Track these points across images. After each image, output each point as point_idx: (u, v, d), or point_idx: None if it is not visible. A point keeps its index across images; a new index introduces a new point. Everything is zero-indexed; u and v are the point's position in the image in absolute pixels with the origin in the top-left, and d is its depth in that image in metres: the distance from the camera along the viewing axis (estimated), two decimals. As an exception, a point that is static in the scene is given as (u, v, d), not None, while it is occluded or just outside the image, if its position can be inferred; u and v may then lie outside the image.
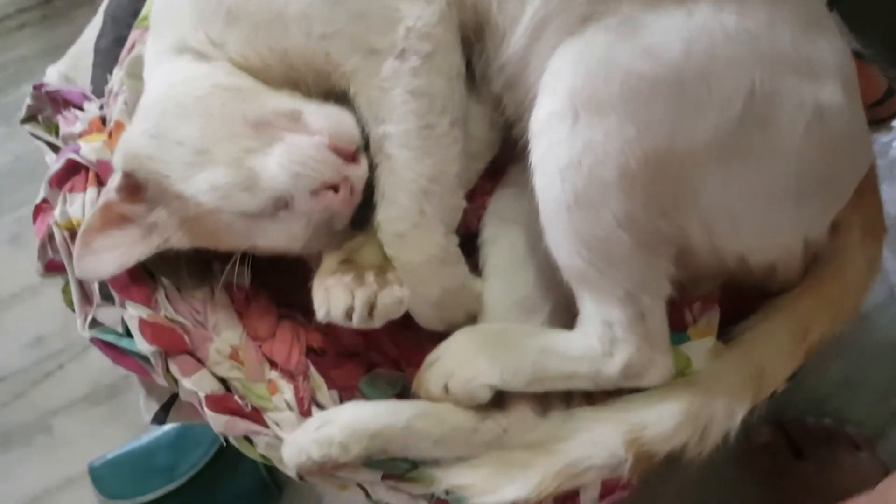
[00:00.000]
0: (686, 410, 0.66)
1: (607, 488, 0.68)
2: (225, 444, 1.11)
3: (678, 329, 0.71)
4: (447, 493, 0.68)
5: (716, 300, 0.74)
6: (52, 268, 0.78)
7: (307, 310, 0.74)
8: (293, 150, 0.63)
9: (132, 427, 1.21)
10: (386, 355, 0.75)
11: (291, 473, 0.67)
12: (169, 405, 0.76)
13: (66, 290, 0.78)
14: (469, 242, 0.74)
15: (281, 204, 0.65)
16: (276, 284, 0.76)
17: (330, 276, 0.65)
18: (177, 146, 0.64)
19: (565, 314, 0.71)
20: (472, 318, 0.72)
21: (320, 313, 0.64)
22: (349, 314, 0.63)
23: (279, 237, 0.66)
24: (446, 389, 0.68)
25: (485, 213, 0.76)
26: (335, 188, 0.63)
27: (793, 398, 1.25)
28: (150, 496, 1.08)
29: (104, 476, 1.11)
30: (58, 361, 1.28)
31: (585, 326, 0.67)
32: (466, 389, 0.67)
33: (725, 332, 0.73)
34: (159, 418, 0.76)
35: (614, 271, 0.64)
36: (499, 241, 0.74)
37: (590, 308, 0.66)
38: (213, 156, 0.63)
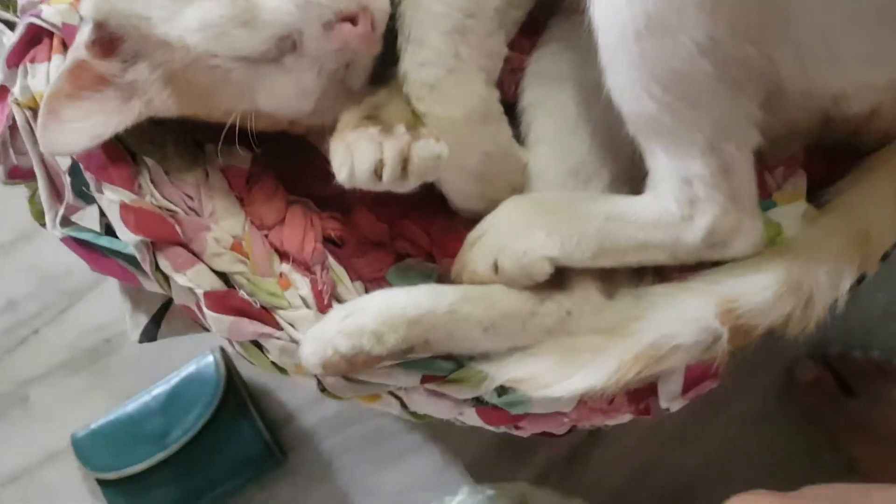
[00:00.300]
0: (785, 279, 0.55)
1: (693, 378, 0.56)
2: (223, 400, 1.02)
3: (761, 196, 0.60)
4: (500, 392, 0.57)
5: (800, 164, 0.63)
6: (16, 175, 0.66)
7: (320, 200, 0.63)
8: None
9: (117, 394, 1.10)
10: (416, 245, 0.63)
11: (314, 372, 0.55)
12: (160, 316, 0.64)
13: (32, 201, 0.66)
14: (506, 113, 0.63)
15: (287, 45, 0.53)
16: (280, 172, 0.64)
17: (351, 131, 0.54)
18: None
19: (629, 184, 0.60)
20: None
21: (342, 173, 0.52)
22: (377, 171, 0.51)
23: (286, 91, 0.55)
24: (496, 268, 0.57)
25: (523, 75, 0.64)
26: (352, 20, 0.52)
27: (837, 332, 1.17)
28: (141, 466, 0.99)
29: (89, 447, 1.01)
30: (32, 326, 1.16)
31: (659, 187, 0.56)
32: (521, 264, 0.55)
33: (815, 199, 0.62)
34: (150, 333, 0.64)
35: (693, 113, 0.53)
36: (544, 104, 0.62)
37: (663, 164, 0.55)
38: None
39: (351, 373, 0.56)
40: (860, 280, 0.58)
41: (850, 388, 1.13)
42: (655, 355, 0.53)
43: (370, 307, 0.55)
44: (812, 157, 0.64)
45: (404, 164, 0.52)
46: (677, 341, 0.53)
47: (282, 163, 0.65)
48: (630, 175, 0.61)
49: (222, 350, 1.08)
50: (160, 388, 1.02)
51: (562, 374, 0.54)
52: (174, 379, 1.02)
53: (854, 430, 1.07)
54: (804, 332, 0.56)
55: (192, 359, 1.05)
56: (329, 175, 0.64)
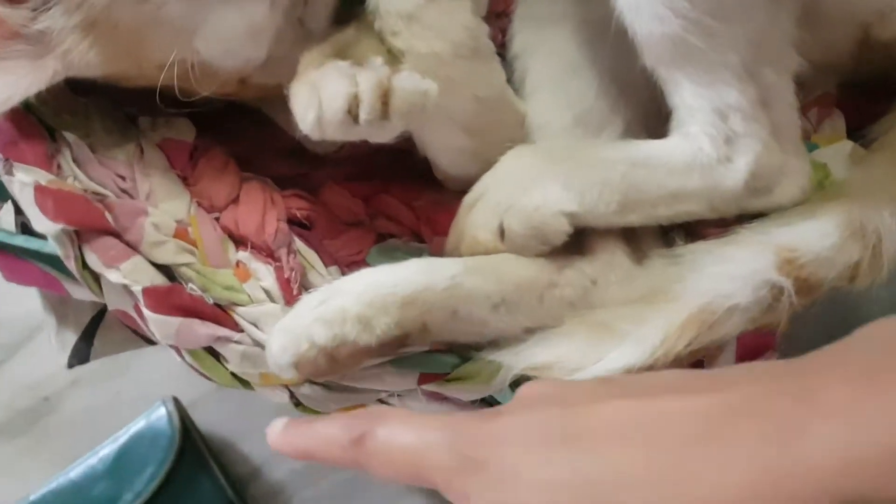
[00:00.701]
0: (847, 223, 0.46)
1: (747, 349, 0.47)
2: (178, 457, 0.91)
3: (800, 138, 0.51)
4: (515, 388, 0.46)
5: (834, 103, 0.54)
6: None
7: (281, 181, 0.53)
8: None
9: (59, 459, 0.97)
10: (399, 223, 0.53)
11: (285, 373, 0.44)
12: (92, 330, 0.53)
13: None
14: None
15: (232, -31, 0.43)
16: (231, 150, 0.54)
17: (315, 70, 0.43)
18: None
19: (648, 132, 0.51)
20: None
21: (308, 118, 0.42)
22: (352, 109, 0.41)
23: (232, 29, 0.45)
24: (501, 233, 0.46)
25: (510, 20, 0.55)
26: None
27: None
28: (89, 539, 0.84)
29: (28, 522, 0.86)
30: (-43, 389, 1.03)
31: (688, 126, 0.47)
32: (533, 223, 0.45)
33: (856, 139, 0.54)
34: (80, 352, 0.53)
35: (727, 29, 0.44)
36: (539, 48, 0.53)
37: (692, 97, 0.46)
38: None
39: (332, 373, 0.45)
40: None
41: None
42: (708, 320, 0.43)
43: (352, 287, 0.44)
44: (845, 97, 0.56)
45: (385, 99, 0.41)
46: (733, 301, 0.43)
47: (232, 140, 0.55)
48: (647, 122, 0.51)
49: (175, 400, 0.96)
50: (107, 449, 0.90)
51: (595, 352, 0.44)
52: (122, 437, 0.89)
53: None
54: (874, 283, 0.47)
55: (142, 412, 0.93)
56: (290, 150, 0.54)
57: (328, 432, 0.38)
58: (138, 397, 0.99)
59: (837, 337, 0.36)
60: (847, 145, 0.52)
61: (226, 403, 1.02)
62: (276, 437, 0.41)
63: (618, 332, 0.44)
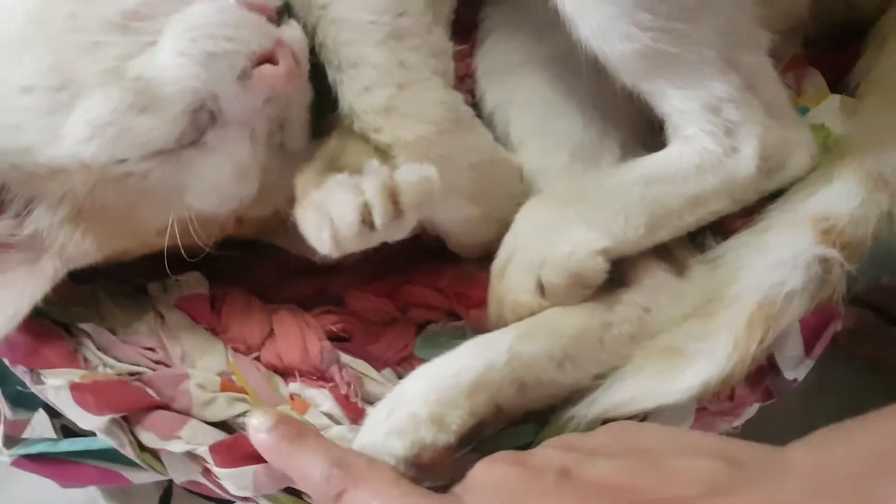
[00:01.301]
0: (866, 176, 0.46)
1: (812, 330, 0.46)
2: None
3: (788, 106, 0.51)
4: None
5: (806, 63, 0.55)
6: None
7: (302, 303, 0.52)
8: (192, 24, 0.42)
9: None
10: (432, 308, 0.52)
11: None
12: (164, 508, 0.51)
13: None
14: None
15: (204, 119, 0.43)
16: (245, 289, 0.53)
17: (315, 189, 0.43)
18: (24, 95, 0.42)
19: (643, 146, 0.50)
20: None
21: (324, 239, 0.42)
22: (366, 218, 0.40)
23: (219, 176, 0.44)
24: (541, 289, 0.46)
25: (475, 80, 0.55)
26: (270, 59, 0.42)
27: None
28: None
29: None
30: None
31: (685, 130, 0.47)
32: (570, 271, 0.45)
33: (839, 91, 0.54)
34: (158, 535, 0.51)
35: (696, 28, 0.45)
36: (513, 99, 0.53)
37: (680, 101, 0.46)
38: (79, 84, 0.41)
39: (421, 480, 0.43)
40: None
41: (893, 318, 1.05)
42: (771, 313, 0.43)
43: (415, 390, 0.43)
44: (816, 54, 0.56)
45: (394, 198, 0.41)
46: (789, 287, 0.43)
47: (244, 278, 0.54)
48: (640, 137, 0.51)
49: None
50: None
51: (670, 378, 0.43)
52: None
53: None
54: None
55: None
56: (302, 271, 0.53)
57: (310, 472, 0.39)
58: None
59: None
60: (835, 99, 0.52)
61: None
62: (260, 439, 0.41)
63: (687, 352, 0.43)
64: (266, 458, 0.42)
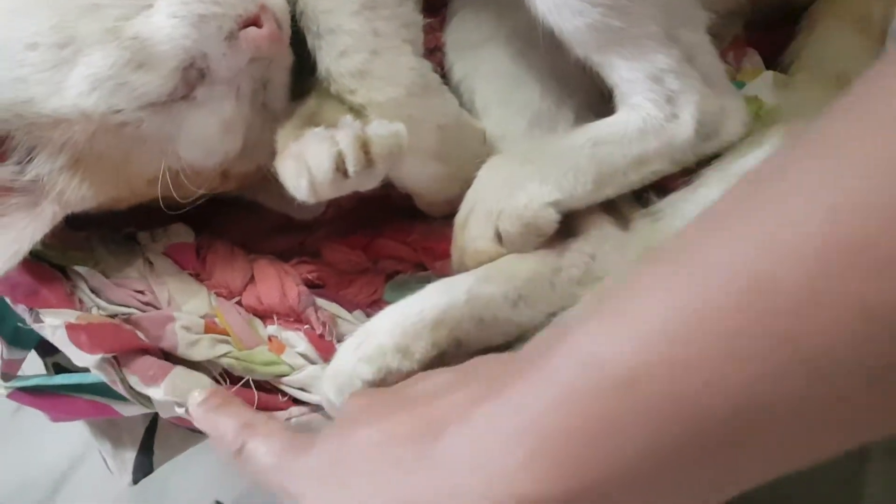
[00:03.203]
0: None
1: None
2: None
3: (726, 81, 0.56)
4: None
5: (745, 44, 0.60)
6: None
7: (282, 256, 0.56)
8: None
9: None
10: (401, 260, 0.57)
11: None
12: (149, 441, 0.55)
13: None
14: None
15: (194, 76, 0.47)
16: (229, 240, 0.57)
17: (294, 142, 0.47)
18: (29, 52, 0.46)
19: (595, 113, 0.55)
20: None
21: (301, 185, 0.46)
22: (340, 166, 0.45)
23: (207, 129, 0.49)
24: (499, 238, 0.50)
25: (444, 53, 0.59)
26: (255, 23, 0.46)
27: None
28: None
29: None
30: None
31: (631, 98, 0.51)
32: (525, 221, 0.49)
33: (774, 68, 0.59)
34: (143, 466, 0.55)
35: (640, 6, 0.49)
36: (478, 70, 0.58)
37: (627, 72, 0.51)
38: (81, 41, 0.46)
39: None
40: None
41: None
42: None
43: (383, 325, 0.48)
44: (755, 36, 0.61)
45: (366, 149, 0.45)
46: None
47: (227, 232, 0.58)
48: (593, 106, 0.56)
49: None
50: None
51: None
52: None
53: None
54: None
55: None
56: (281, 226, 0.58)
57: (223, 432, 0.46)
58: (187, 510, 1.01)
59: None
60: (769, 75, 0.57)
61: (267, 495, 1.04)
62: (193, 412, 0.48)
63: None
64: (197, 425, 0.48)
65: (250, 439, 0.44)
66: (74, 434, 0.57)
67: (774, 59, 0.60)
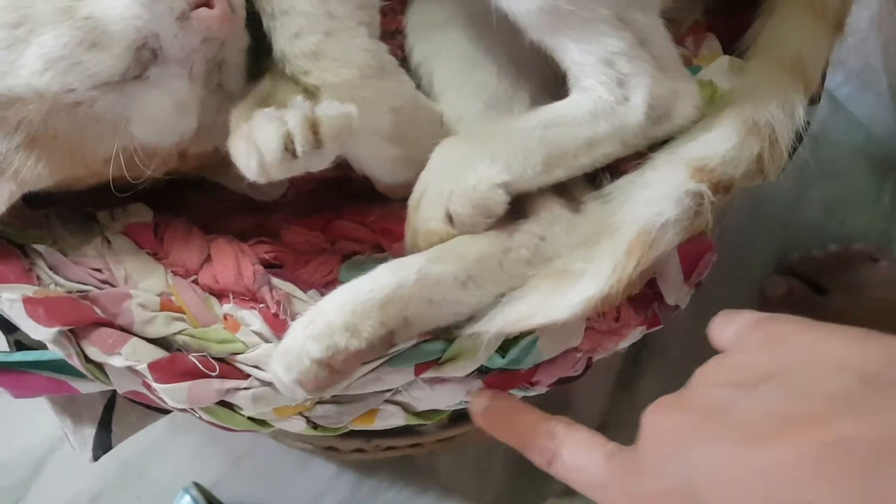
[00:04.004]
0: (742, 123, 0.52)
1: (689, 259, 0.52)
2: None
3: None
4: (502, 354, 0.51)
5: (705, 28, 0.61)
6: None
7: (241, 236, 0.57)
8: None
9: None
10: (359, 241, 0.58)
11: (295, 394, 0.48)
12: (108, 419, 0.56)
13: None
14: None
15: (146, 56, 0.48)
16: (188, 220, 0.58)
17: (245, 123, 0.48)
18: None
19: (551, 96, 0.56)
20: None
21: (251, 165, 0.47)
22: (288, 146, 0.46)
23: (161, 109, 0.49)
24: (450, 219, 0.51)
25: (404, 36, 0.60)
26: (207, 4, 0.47)
27: (789, 241, 1.17)
28: None
29: None
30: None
31: (583, 81, 0.52)
32: (474, 201, 0.50)
33: (732, 53, 0.60)
34: (102, 442, 0.56)
35: (590, -10, 0.50)
36: (437, 53, 0.58)
37: (578, 55, 0.52)
38: (34, 21, 0.46)
39: (333, 382, 0.49)
40: (812, 102, 0.55)
41: (821, 288, 1.12)
42: (647, 240, 0.49)
43: (333, 303, 0.49)
44: (714, 21, 0.62)
45: (315, 129, 0.46)
46: (665, 217, 0.49)
47: (187, 212, 0.59)
48: (548, 88, 0.57)
49: (197, 485, 1.00)
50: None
51: (559, 294, 0.48)
52: (153, 530, 0.93)
53: (842, 322, 1.07)
54: (782, 171, 0.52)
55: (167, 504, 0.96)
56: (242, 207, 0.58)
57: (525, 442, 0.45)
58: (160, 494, 1.02)
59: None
60: (725, 59, 0.58)
61: (245, 474, 1.06)
62: (479, 417, 0.49)
63: (575, 272, 0.49)
64: (491, 432, 0.49)
65: (561, 448, 0.43)
66: (54, 415, 0.57)
67: (733, 44, 0.60)
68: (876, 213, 1.24)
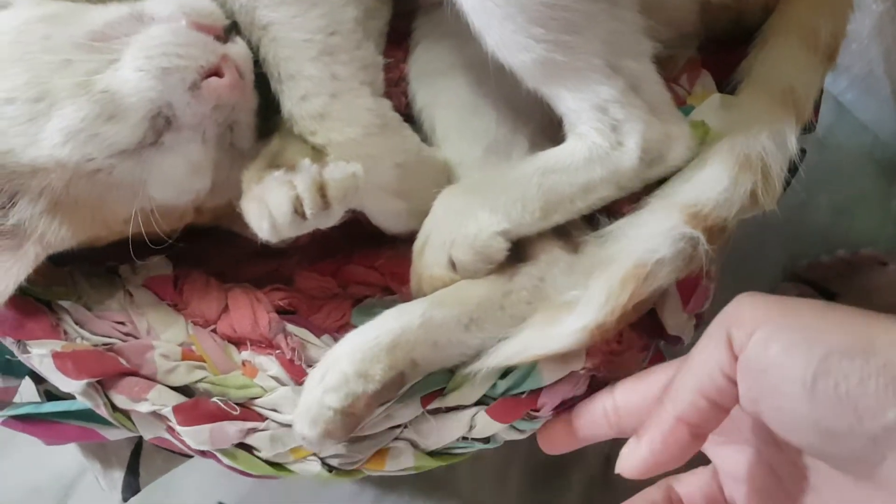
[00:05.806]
0: (733, 160, 0.54)
1: (688, 290, 0.54)
2: None
3: (677, 105, 0.58)
4: (504, 383, 0.53)
5: (699, 65, 0.62)
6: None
7: (257, 282, 0.60)
8: (148, 44, 0.49)
9: None
10: (369, 285, 0.60)
11: (318, 446, 0.50)
12: (135, 463, 0.59)
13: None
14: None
15: (161, 123, 0.51)
16: (206, 269, 0.61)
17: (257, 184, 0.51)
18: (6, 106, 0.49)
19: (550, 141, 0.58)
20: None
21: (263, 227, 0.49)
22: (298, 210, 0.48)
23: (176, 172, 0.52)
24: (453, 266, 0.53)
25: (407, 84, 0.62)
26: (217, 73, 0.50)
27: (797, 248, 1.18)
28: None
29: None
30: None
31: (578, 127, 0.54)
32: (476, 249, 0.52)
33: (724, 90, 0.61)
34: (131, 485, 0.59)
35: (582, 40, 0.52)
36: (438, 100, 0.61)
37: (573, 103, 0.54)
38: (54, 96, 0.49)
39: (356, 425, 0.51)
40: (805, 131, 0.56)
41: (831, 293, 1.13)
42: (641, 274, 0.51)
43: (343, 353, 0.51)
44: (709, 57, 0.63)
45: (322, 192, 0.49)
46: (659, 255, 0.51)
47: (205, 261, 0.61)
48: (547, 132, 0.59)
49: (221, 506, 1.02)
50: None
51: (553, 327, 0.51)
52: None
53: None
54: (777, 201, 0.54)
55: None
56: (257, 253, 0.61)
57: None
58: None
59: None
60: (716, 97, 0.59)
61: (269, 494, 1.08)
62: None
63: (569, 301, 0.51)
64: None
65: None
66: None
67: (729, 80, 0.61)
68: (884, 218, 1.24)
